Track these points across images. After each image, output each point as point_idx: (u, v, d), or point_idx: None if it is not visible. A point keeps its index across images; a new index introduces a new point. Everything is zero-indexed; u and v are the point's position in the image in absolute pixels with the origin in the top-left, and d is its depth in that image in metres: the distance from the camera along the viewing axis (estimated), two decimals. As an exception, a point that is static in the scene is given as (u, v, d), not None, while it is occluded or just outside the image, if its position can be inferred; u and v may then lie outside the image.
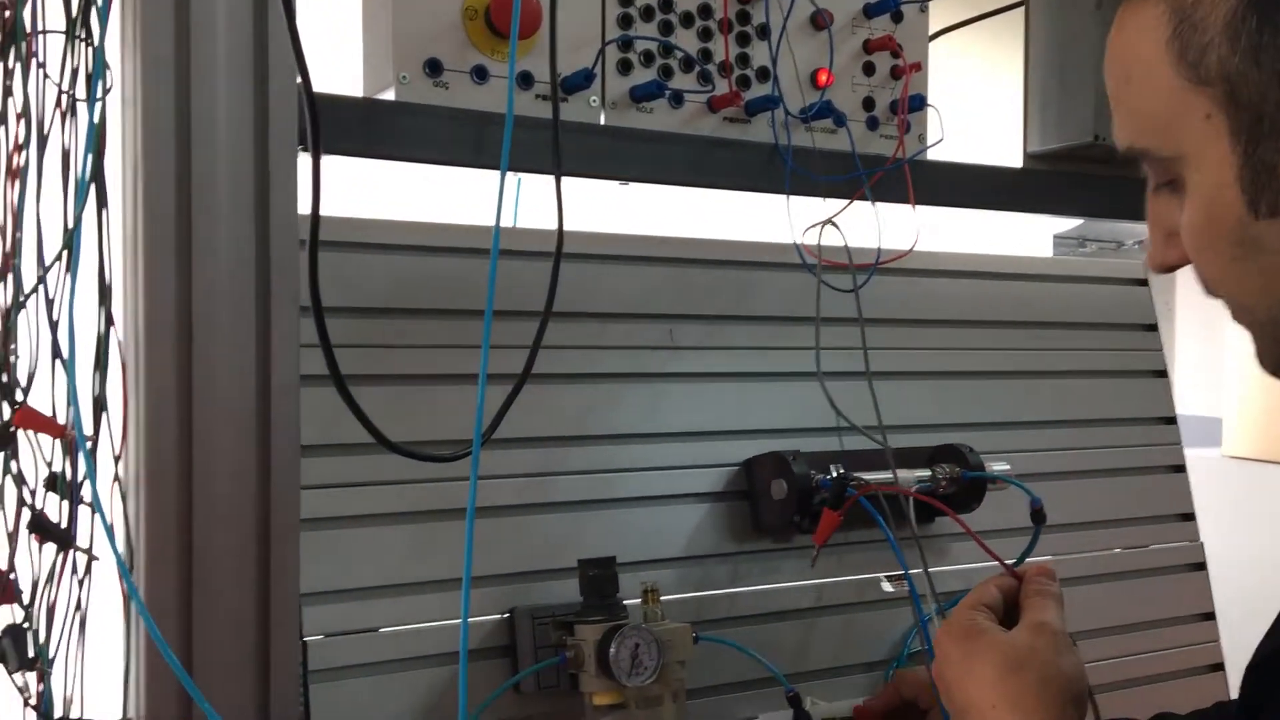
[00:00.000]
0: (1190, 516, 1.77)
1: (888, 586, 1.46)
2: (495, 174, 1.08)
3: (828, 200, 1.38)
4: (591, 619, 1.20)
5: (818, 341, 1.39)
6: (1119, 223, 2.85)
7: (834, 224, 1.40)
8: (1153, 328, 1.80)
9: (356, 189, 1.33)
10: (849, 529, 1.45)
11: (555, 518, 1.31)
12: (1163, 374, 1.80)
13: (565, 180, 1.21)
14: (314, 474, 1.18)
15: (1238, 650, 1.80)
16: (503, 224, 1.05)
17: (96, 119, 1.00)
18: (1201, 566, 1.76)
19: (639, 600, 1.25)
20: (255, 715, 1.05)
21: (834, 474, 1.36)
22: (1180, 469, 1.77)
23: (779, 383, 1.45)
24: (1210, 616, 1.76)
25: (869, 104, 1.45)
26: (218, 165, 1.04)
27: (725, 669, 1.35)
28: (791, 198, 1.39)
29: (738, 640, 1.34)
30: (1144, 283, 1.81)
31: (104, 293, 1.04)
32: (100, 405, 1.05)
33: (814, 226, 1.39)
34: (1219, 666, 1.75)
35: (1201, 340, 3.16)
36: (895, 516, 1.38)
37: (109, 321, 1.04)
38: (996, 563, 1.51)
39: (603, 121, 1.28)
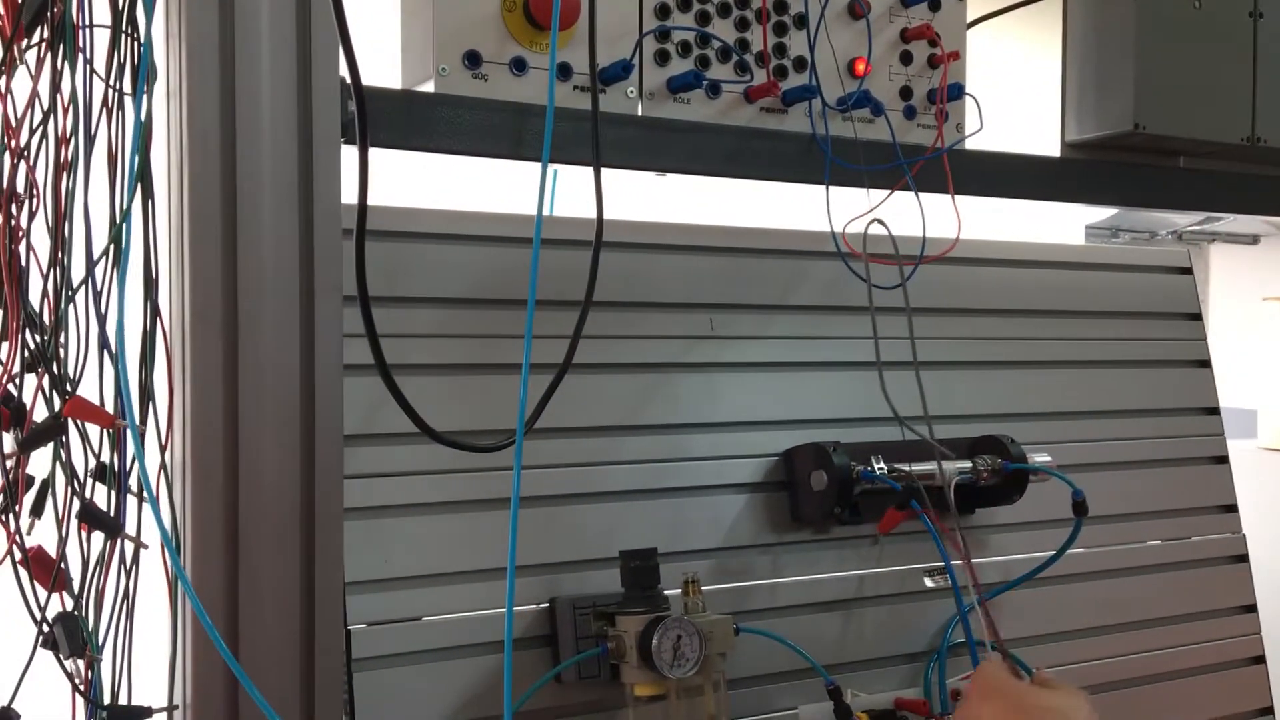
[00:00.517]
0: (1232, 508, 1.76)
1: (930, 583, 1.46)
2: (529, 165, 1.08)
3: (868, 191, 1.37)
4: (633, 610, 1.21)
5: (875, 332, 1.37)
6: (1153, 212, 2.82)
7: (880, 221, 1.39)
8: (1196, 316, 1.78)
9: (398, 180, 1.33)
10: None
11: (596, 508, 1.31)
12: (1206, 364, 1.78)
13: (603, 171, 1.22)
14: (357, 463, 1.18)
15: (1277, 644, 1.78)
16: (542, 214, 1.06)
17: (143, 114, 1.01)
18: (1243, 559, 1.75)
19: (680, 591, 1.25)
20: (300, 702, 1.06)
21: (883, 468, 1.36)
22: (1223, 460, 1.76)
23: (820, 373, 1.45)
24: (1252, 609, 1.74)
25: (906, 93, 1.44)
26: (262, 157, 1.04)
27: (765, 660, 1.35)
28: (830, 188, 1.39)
29: (777, 631, 1.33)
30: (1188, 271, 1.79)
31: (150, 284, 1.05)
32: (147, 395, 1.06)
33: (856, 219, 1.38)
34: (1260, 659, 1.73)
35: (1236, 331, 3.12)
36: (936, 507, 1.38)
37: (155, 313, 1.05)
38: (1037, 556, 1.51)
39: (640, 113, 1.28)
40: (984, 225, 1.67)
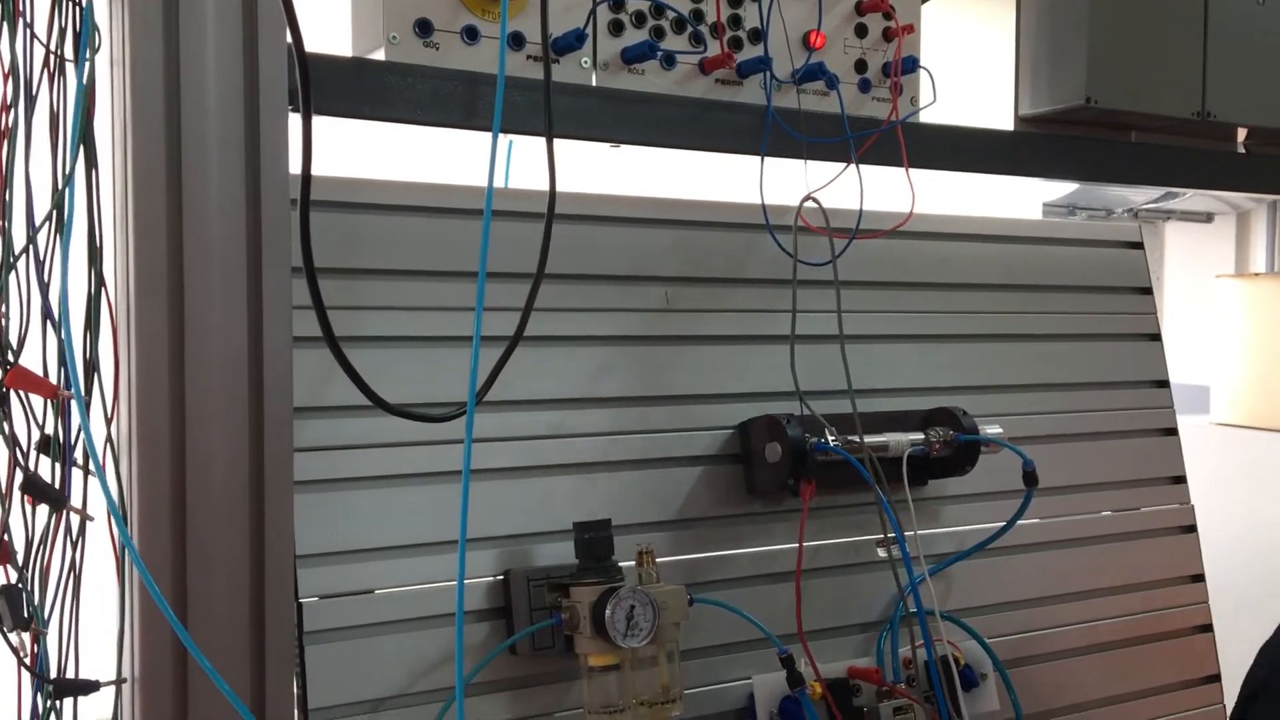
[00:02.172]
0: (1181, 479, 1.78)
1: (883, 554, 1.47)
2: (484, 136, 1.07)
3: (805, 163, 1.37)
4: (587, 581, 1.21)
5: (794, 305, 1.40)
6: (1109, 190, 2.84)
7: (814, 200, 1.39)
8: (1147, 291, 1.80)
9: (348, 150, 1.32)
10: (841, 492, 1.46)
11: (550, 480, 1.31)
12: (1156, 338, 1.80)
13: (557, 143, 1.21)
14: (309, 436, 1.18)
15: (1225, 613, 1.82)
16: (495, 185, 1.05)
17: (85, 79, 1.00)
18: (1192, 529, 1.77)
19: (634, 563, 1.25)
20: (250, 675, 1.05)
21: (830, 439, 1.37)
22: (1172, 432, 1.78)
23: (774, 346, 1.45)
24: (1200, 578, 1.77)
25: (861, 66, 1.44)
26: (208, 126, 1.03)
27: (719, 631, 1.36)
28: (783, 161, 1.39)
29: (732, 602, 1.34)
30: (1138, 246, 1.81)
31: (95, 253, 1.04)
32: (92, 366, 1.05)
33: (816, 192, 1.38)
34: (1208, 628, 1.76)
35: (1190, 309, 3.17)
36: (888, 480, 1.39)
37: (100, 282, 1.04)
38: (989, 526, 1.53)
39: (594, 83, 1.28)
40: (942, 202, 1.68)
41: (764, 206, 1.36)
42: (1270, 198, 2.91)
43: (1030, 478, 1.43)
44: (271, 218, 1.05)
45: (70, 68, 1.03)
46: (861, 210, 1.40)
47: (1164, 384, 1.80)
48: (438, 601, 1.22)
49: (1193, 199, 3.22)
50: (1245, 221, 3.49)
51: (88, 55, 1.01)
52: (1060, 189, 2.76)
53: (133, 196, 1.01)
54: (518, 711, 1.25)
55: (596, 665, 1.20)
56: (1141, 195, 3.17)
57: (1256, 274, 3.15)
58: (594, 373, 1.36)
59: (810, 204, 1.40)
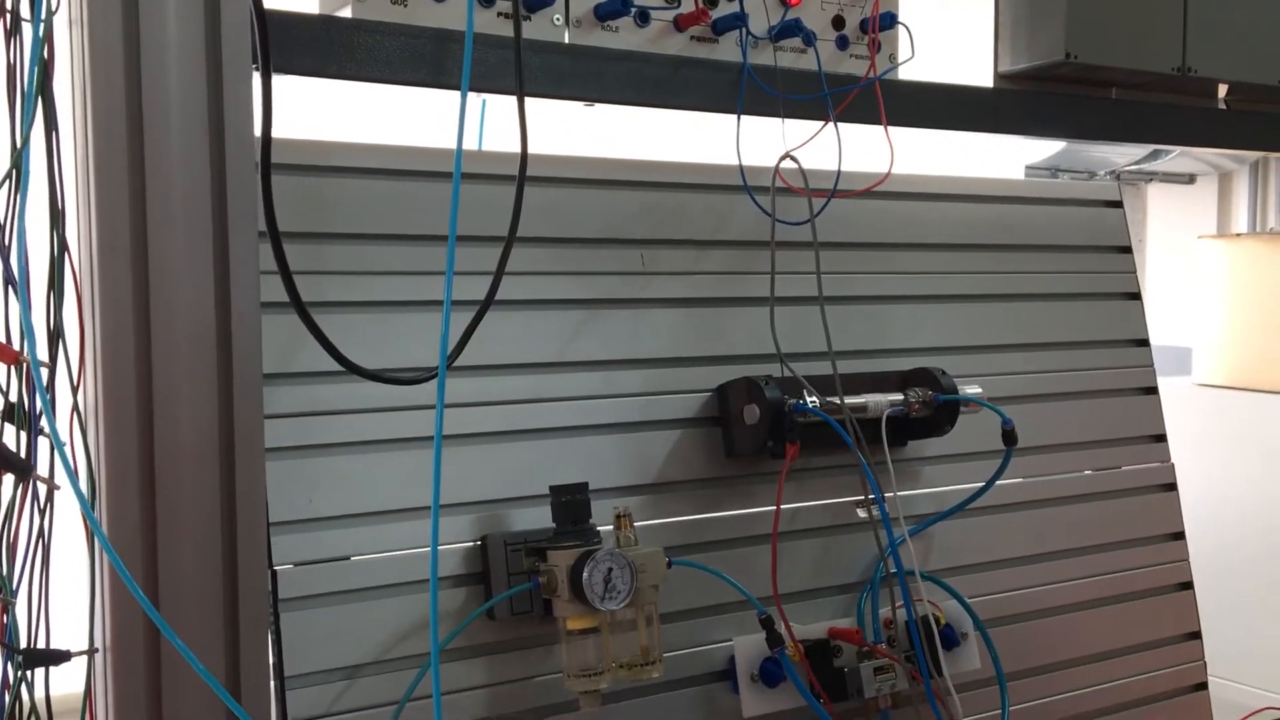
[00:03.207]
0: (1161, 438, 1.78)
1: (863, 514, 1.47)
2: (456, 96, 1.05)
3: (783, 121, 1.35)
4: (564, 544, 1.20)
5: (773, 266, 1.39)
6: (1092, 152, 2.83)
7: (793, 158, 1.38)
8: (1126, 250, 1.79)
9: (318, 111, 1.30)
10: (821, 453, 1.45)
11: (528, 445, 1.30)
12: (1136, 296, 1.80)
13: (530, 102, 1.19)
14: (280, 402, 1.16)
15: (1206, 571, 1.82)
16: (468, 148, 1.03)
17: (41, 36, 0.97)
18: (1172, 487, 1.78)
19: (612, 527, 1.24)
20: (224, 645, 1.04)
21: (815, 401, 1.36)
22: (1152, 391, 1.78)
23: (754, 308, 1.44)
24: (1180, 536, 1.77)
25: (839, 23, 1.42)
26: (169, 86, 1.00)
27: (699, 593, 1.36)
28: (761, 121, 1.37)
29: (712, 565, 1.34)
30: (1118, 205, 1.80)
31: (56, 216, 1.01)
32: (57, 333, 1.03)
33: (795, 150, 1.37)
34: (1188, 585, 1.77)
35: (1173, 270, 3.16)
36: (867, 441, 1.38)
37: (63, 246, 1.02)
38: (970, 486, 1.52)
39: (567, 40, 1.25)
40: (925, 165, 1.67)
41: (740, 165, 1.35)
42: (1251, 154, 2.90)
43: (1009, 437, 1.42)
44: (237, 180, 1.03)
45: (27, 28, 1.01)
46: (840, 169, 1.38)
47: (1144, 343, 1.79)
48: (414, 567, 1.21)
49: (1175, 160, 3.20)
50: (1227, 183, 3.49)
51: (44, 15, 0.98)
52: (1043, 151, 2.74)
53: (94, 160, 0.99)
54: (497, 676, 1.24)
55: (575, 629, 1.19)
56: (1124, 157, 3.15)
57: (1238, 234, 3.15)
58: (571, 336, 1.35)
59: (789, 163, 1.39)
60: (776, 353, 1.38)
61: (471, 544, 1.25)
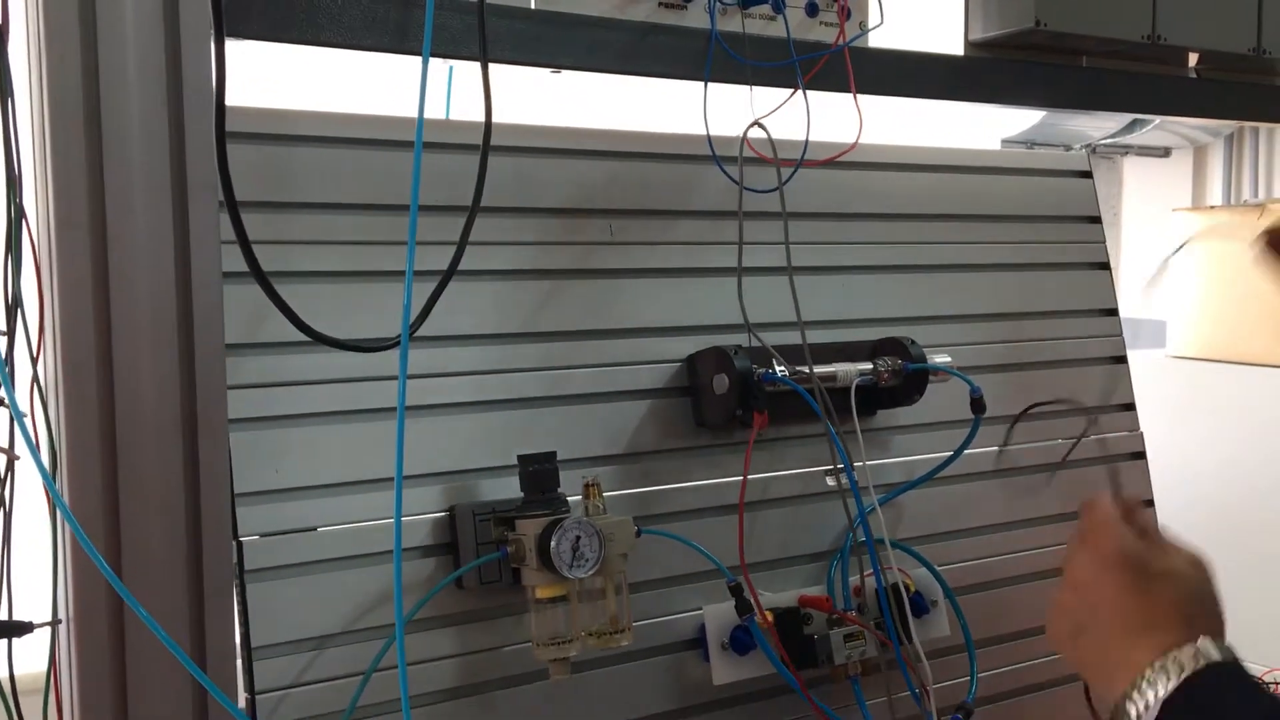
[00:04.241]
0: (1131, 407, 1.79)
1: (831, 482, 1.47)
2: (420, 61, 1.04)
3: (750, 89, 1.35)
4: (532, 513, 1.20)
5: (740, 236, 1.38)
6: (1067, 124, 2.83)
7: (761, 125, 1.37)
8: (1096, 220, 1.80)
9: (278, 78, 1.28)
10: (791, 423, 1.45)
11: (496, 415, 1.30)
12: (1105, 266, 1.80)
13: (496, 69, 1.18)
14: (243, 373, 1.15)
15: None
16: (435, 116, 1.02)
17: (-7, 2, 0.96)
18: (1141, 455, 1.79)
19: (580, 496, 1.24)
20: (189, 616, 1.03)
21: (785, 371, 1.36)
22: (1121, 360, 1.79)
23: (723, 278, 1.43)
24: (1150, 504, 1.79)
25: (808, -11, 1.42)
26: (127, 51, 0.99)
27: (669, 562, 1.36)
28: (729, 91, 1.36)
29: (683, 534, 1.34)
30: (1087, 175, 1.80)
31: (13, 184, 1.00)
32: (15, 303, 1.02)
33: (763, 118, 1.36)
34: (1158, 553, 1.78)
35: (1148, 243, 3.17)
36: (837, 411, 1.38)
37: (20, 214, 1.01)
38: (939, 455, 1.53)
39: (533, 5, 1.24)
40: (902, 137, 1.67)
41: (708, 134, 1.34)
42: (1225, 126, 2.90)
43: (978, 404, 1.43)
44: (196, 148, 1.02)
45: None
46: (808, 138, 1.37)
47: (1113, 312, 1.80)
48: (382, 538, 1.21)
49: (1151, 133, 3.20)
50: (1202, 156, 3.50)
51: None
52: (1018, 124, 2.74)
53: (49, 125, 0.98)
54: (466, 646, 1.24)
55: (544, 597, 1.19)
56: (1099, 130, 3.15)
57: (1212, 206, 3.16)
58: (538, 306, 1.34)
59: (757, 131, 1.38)
60: (744, 322, 1.38)
61: (440, 514, 1.25)
